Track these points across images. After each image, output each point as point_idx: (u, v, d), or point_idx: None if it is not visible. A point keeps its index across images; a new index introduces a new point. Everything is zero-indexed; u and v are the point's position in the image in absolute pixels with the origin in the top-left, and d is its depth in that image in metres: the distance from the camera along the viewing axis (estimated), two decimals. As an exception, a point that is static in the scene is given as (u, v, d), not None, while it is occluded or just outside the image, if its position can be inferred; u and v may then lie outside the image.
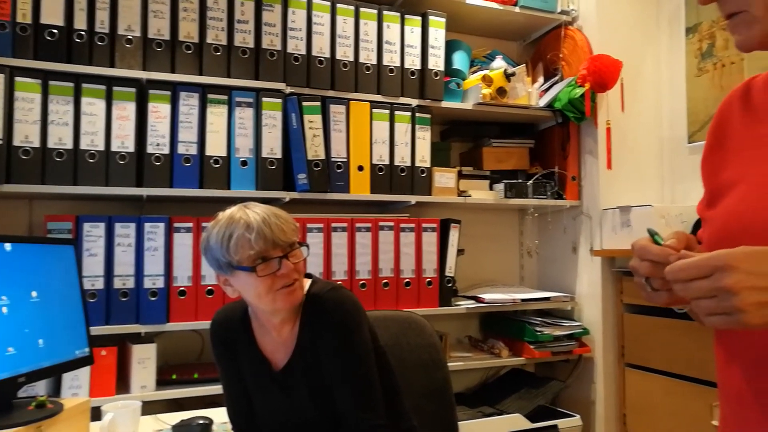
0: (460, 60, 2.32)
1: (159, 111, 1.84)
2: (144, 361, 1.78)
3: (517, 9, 2.33)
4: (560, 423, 2.16)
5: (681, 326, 1.91)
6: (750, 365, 0.80)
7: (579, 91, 2.24)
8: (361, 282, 2.03)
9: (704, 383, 1.83)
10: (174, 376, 1.84)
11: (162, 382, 1.82)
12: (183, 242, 1.84)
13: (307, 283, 1.32)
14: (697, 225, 1.89)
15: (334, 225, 2.02)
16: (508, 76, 2.28)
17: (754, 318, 0.63)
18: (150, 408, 1.69)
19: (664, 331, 2.00)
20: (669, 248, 0.74)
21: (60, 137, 1.72)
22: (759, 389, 0.78)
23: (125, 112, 1.80)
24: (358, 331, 1.26)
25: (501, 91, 2.26)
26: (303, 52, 2.02)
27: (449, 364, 1.82)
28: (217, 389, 1.74)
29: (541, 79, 2.47)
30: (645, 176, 2.39)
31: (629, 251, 0.80)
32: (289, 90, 1.99)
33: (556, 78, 2.42)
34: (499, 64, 2.38)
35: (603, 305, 2.25)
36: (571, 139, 2.40)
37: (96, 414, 1.37)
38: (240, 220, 1.18)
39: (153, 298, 1.79)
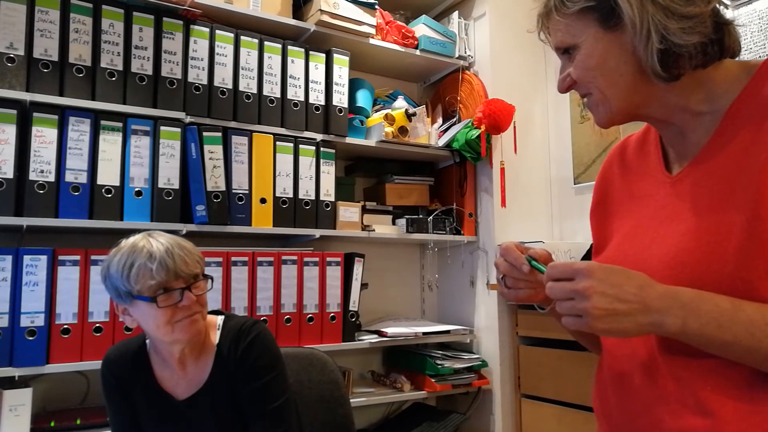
0: (363, 98, 2.37)
1: (44, 136, 1.71)
2: (17, 408, 1.60)
3: (417, 52, 2.42)
4: (460, 456, 2.19)
5: (570, 357, 2.01)
6: (613, 381, 0.89)
7: (475, 133, 2.35)
8: (262, 318, 1.97)
9: (590, 410, 1.93)
10: (52, 424, 1.67)
11: (38, 431, 1.64)
12: (68, 276, 1.69)
13: (219, 318, 1.31)
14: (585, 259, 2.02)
15: (234, 259, 1.96)
16: (409, 116, 2.36)
17: (599, 322, 0.70)
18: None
19: (555, 361, 2.09)
20: (534, 256, 0.84)
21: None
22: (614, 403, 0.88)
23: (4, 135, 1.66)
24: (280, 366, 1.28)
25: (402, 130, 2.33)
26: (204, 81, 1.97)
27: (352, 400, 1.80)
28: (103, 435, 1.61)
29: (440, 120, 2.57)
30: (536, 214, 2.53)
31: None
32: (189, 119, 1.93)
33: (454, 119, 2.54)
34: (400, 104, 2.46)
35: (500, 338, 2.32)
36: (468, 178, 2.50)
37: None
38: (143, 249, 1.15)
39: (30, 338, 1.63)
